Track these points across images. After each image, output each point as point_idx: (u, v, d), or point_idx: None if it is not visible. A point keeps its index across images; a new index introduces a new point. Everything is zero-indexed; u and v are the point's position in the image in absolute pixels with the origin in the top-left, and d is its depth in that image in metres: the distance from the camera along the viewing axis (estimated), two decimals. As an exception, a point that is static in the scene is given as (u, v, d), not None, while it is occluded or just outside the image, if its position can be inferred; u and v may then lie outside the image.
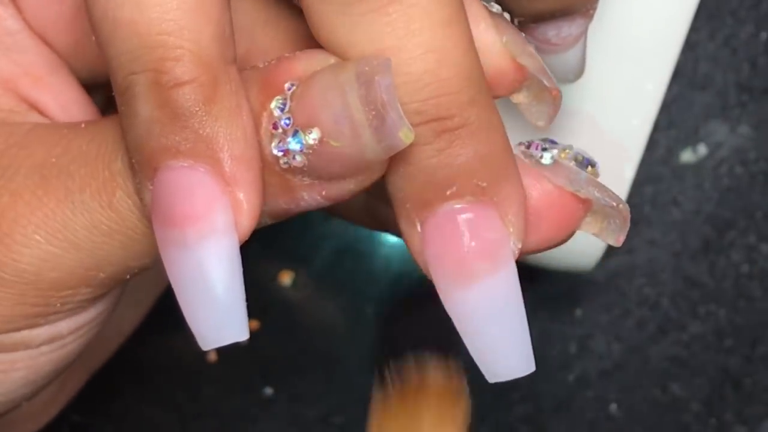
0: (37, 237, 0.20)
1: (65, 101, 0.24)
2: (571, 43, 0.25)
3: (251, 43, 0.23)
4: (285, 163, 0.18)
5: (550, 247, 0.21)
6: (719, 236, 0.44)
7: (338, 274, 0.45)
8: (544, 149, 0.20)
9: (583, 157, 0.21)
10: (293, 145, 0.18)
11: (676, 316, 0.44)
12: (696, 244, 0.44)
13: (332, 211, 0.24)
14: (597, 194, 0.20)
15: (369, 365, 0.45)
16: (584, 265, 0.36)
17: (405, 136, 0.18)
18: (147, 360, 0.44)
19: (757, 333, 0.44)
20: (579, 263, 0.36)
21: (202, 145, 0.18)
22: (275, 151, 0.18)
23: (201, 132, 0.18)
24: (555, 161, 0.20)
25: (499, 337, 0.19)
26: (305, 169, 0.18)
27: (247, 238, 0.19)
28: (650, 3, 0.33)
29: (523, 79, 0.20)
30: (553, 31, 0.25)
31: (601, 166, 0.21)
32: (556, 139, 0.21)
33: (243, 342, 0.19)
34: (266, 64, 0.19)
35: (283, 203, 0.19)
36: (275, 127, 0.18)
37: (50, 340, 0.22)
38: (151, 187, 0.19)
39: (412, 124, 0.18)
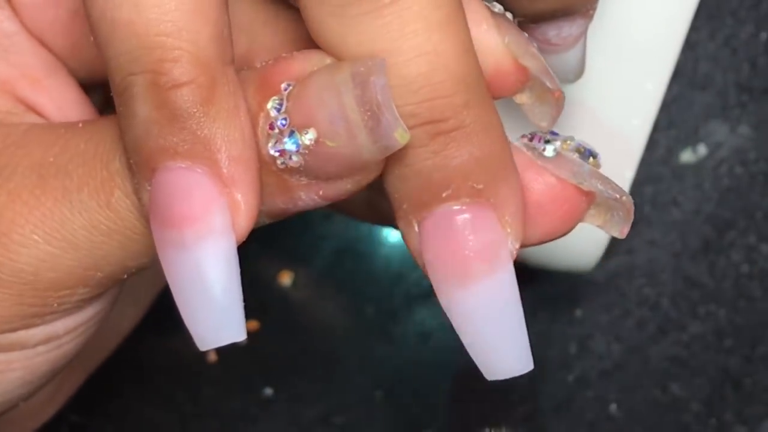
0: (35, 237, 0.20)
1: (63, 102, 0.24)
2: (572, 43, 0.25)
3: (251, 43, 0.23)
4: (282, 163, 0.19)
5: (552, 239, 0.21)
6: (719, 236, 0.44)
7: (338, 274, 0.45)
8: (547, 141, 0.20)
9: (585, 149, 0.21)
10: (289, 145, 0.18)
11: (676, 316, 0.44)
12: (696, 244, 0.44)
13: (334, 206, 0.24)
14: (600, 186, 0.20)
15: (369, 365, 0.45)
16: (584, 266, 0.36)
17: (400, 136, 0.18)
18: (147, 360, 0.44)
19: (757, 333, 0.44)
20: (579, 263, 0.36)
21: (199, 146, 0.18)
22: (272, 152, 0.18)
23: (199, 133, 0.18)
24: (558, 153, 0.20)
25: (496, 336, 0.19)
26: (302, 169, 0.18)
27: (244, 239, 0.19)
28: (650, 3, 0.33)
29: (525, 80, 0.20)
30: (553, 31, 0.25)
31: (601, 166, 0.21)
32: (558, 131, 0.21)
33: (243, 342, 0.19)
34: (263, 64, 0.19)
35: (281, 203, 0.19)
36: (272, 127, 0.18)
37: (46, 340, 0.22)
38: (149, 188, 0.19)
39: (407, 126, 0.18)
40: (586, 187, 0.20)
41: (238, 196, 0.19)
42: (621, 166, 0.34)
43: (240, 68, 0.20)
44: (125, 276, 0.22)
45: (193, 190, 0.18)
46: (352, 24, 0.18)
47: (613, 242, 0.36)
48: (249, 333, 0.19)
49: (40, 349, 0.22)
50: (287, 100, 0.18)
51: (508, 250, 0.19)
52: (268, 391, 0.45)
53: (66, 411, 0.39)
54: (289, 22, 0.22)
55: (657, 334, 0.44)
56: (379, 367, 0.45)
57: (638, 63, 0.33)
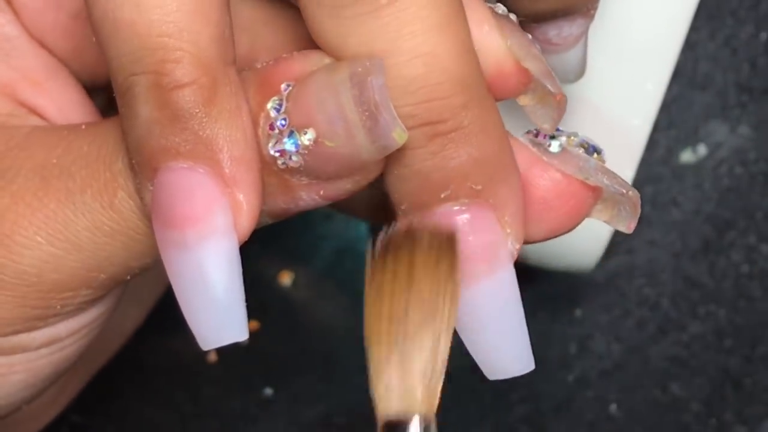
0: (39, 238, 0.20)
1: (64, 105, 0.24)
2: (572, 43, 0.25)
3: (252, 43, 0.23)
4: (282, 163, 0.19)
5: (558, 235, 0.21)
6: (719, 236, 0.44)
7: (338, 274, 0.45)
8: (552, 137, 0.20)
9: (589, 144, 0.21)
10: (289, 145, 0.18)
11: (676, 316, 0.44)
12: (696, 244, 0.44)
13: (337, 206, 0.24)
14: (606, 181, 0.20)
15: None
16: (584, 265, 0.36)
17: (398, 136, 0.18)
18: (147, 360, 0.44)
19: (757, 333, 0.44)
20: (579, 263, 0.36)
21: (201, 147, 0.18)
22: (272, 152, 0.19)
23: (201, 133, 0.18)
24: (563, 149, 0.20)
25: (497, 336, 0.19)
26: (302, 169, 0.18)
27: (246, 239, 0.19)
28: (650, 3, 0.33)
29: (527, 81, 0.20)
30: (554, 31, 0.25)
31: (606, 162, 0.21)
32: (560, 127, 0.21)
33: (243, 342, 0.19)
34: (263, 64, 0.19)
35: (282, 203, 0.19)
36: (272, 127, 0.18)
37: (48, 343, 0.22)
38: (151, 188, 0.19)
39: (405, 127, 0.18)
40: (592, 182, 0.20)
41: (240, 197, 0.19)
42: (621, 166, 0.34)
43: (242, 68, 0.20)
44: (128, 277, 0.22)
45: (195, 190, 0.18)
46: (350, 25, 0.18)
47: (613, 242, 0.36)
48: (249, 333, 0.19)
49: (43, 351, 0.22)
50: (287, 101, 0.18)
51: (508, 250, 0.19)
52: (268, 391, 0.45)
53: (67, 411, 0.39)
54: (290, 22, 0.22)
55: (657, 334, 0.44)
56: (379, 367, 0.44)
57: (638, 63, 0.33)
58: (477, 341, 0.20)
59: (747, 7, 0.44)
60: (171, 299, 0.19)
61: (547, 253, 0.36)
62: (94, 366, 0.39)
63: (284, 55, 0.19)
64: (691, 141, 0.44)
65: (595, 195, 0.21)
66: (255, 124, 0.19)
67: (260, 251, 0.45)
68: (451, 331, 0.19)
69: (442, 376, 0.19)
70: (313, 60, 0.19)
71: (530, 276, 0.42)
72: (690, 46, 0.43)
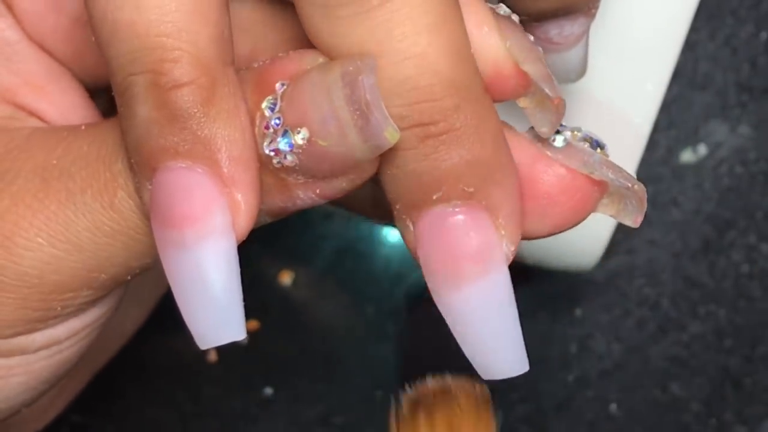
0: (39, 240, 0.20)
1: (66, 108, 0.24)
2: (573, 42, 0.25)
3: (254, 44, 0.23)
4: (278, 162, 0.19)
5: (563, 231, 0.21)
6: (719, 236, 0.44)
7: (338, 274, 0.45)
8: (557, 132, 0.20)
9: (593, 139, 0.21)
10: (283, 145, 0.18)
11: (676, 316, 0.44)
12: (696, 244, 0.44)
13: (340, 203, 0.24)
14: (611, 175, 0.20)
15: (369, 365, 0.45)
16: (584, 265, 0.36)
17: (390, 135, 0.18)
18: (147, 360, 0.44)
19: (757, 333, 0.44)
20: (579, 263, 0.36)
21: (200, 147, 0.18)
22: (267, 151, 0.19)
23: (199, 133, 0.18)
24: (567, 143, 0.20)
25: (491, 337, 0.19)
26: (298, 168, 0.18)
27: (244, 239, 0.19)
28: (650, 3, 0.33)
29: (526, 84, 0.20)
30: (555, 30, 0.25)
31: (609, 156, 0.21)
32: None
33: (243, 342, 0.19)
34: (260, 64, 0.19)
35: (280, 202, 0.19)
36: (267, 127, 0.18)
37: (48, 345, 0.22)
38: (150, 187, 0.19)
39: (397, 127, 0.18)
40: (597, 176, 0.20)
41: (239, 196, 0.19)
42: (621, 166, 0.34)
43: (241, 69, 0.20)
44: (129, 277, 0.22)
45: (194, 190, 0.18)
46: (342, 25, 0.18)
47: (613, 242, 0.36)
48: (249, 333, 0.19)
49: (42, 354, 0.22)
50: (281, 100, 0.18)
51: (502, 252, 0.19)
52: (268, 391, 0.45)
53: (67, 411, 0.39)
54: (291, 23, 0.22)
55: (657, 334, 0.45)
56: (379, 367, 0.45)
57: (638, 63, 0.33)
58: (471, 342, 0.19)
59: (747, 6, 0.44)
60: (171, 299, 0.19)
61: (546, 253, 0.36)
62: (93, 368, 0.39)
63: (280, 55, 0.19)
64: (691, 141, 0.44)
65: (601, 189, 0.21)
66: (252, 123, 0.19)
67: (260, 251, 0.45)
68: None
69: None
70: (308, 59, 0.19)
71: (530, 276, 0.42)
72: (690, 46, 0.43)
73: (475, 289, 0.19)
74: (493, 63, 0.19)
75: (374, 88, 0.18)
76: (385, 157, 0.19)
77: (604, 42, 0.33)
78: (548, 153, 0.20)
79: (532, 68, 0.20)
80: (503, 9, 0.21)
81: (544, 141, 0.20)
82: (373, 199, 0.24)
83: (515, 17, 0.21)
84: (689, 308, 0.44)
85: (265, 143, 0.19)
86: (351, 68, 0.18)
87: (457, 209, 0.19)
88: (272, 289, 0.45)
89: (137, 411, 0.45)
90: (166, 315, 0.40)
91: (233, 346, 0.19)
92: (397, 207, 0.19)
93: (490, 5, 0.20)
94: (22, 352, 0.22)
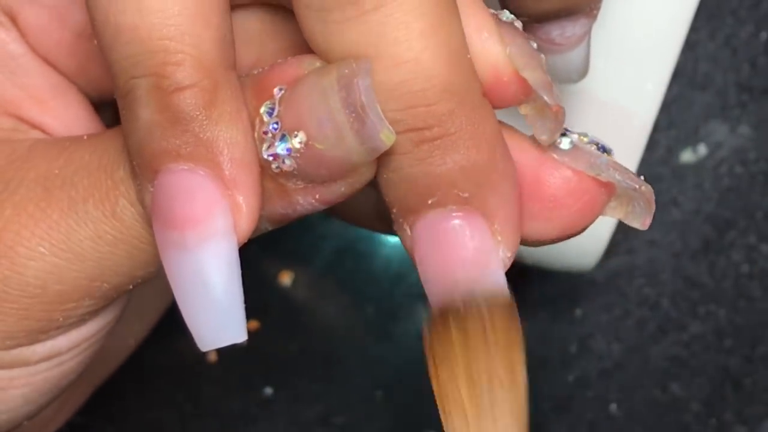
0: (42, 249, 0.20)
1: (70, 122, 0.24)
2: (575, 43, 0.25)
3: (260, 52, 0.23)
4: (276, 167, 0.19)
5: (571, 235, 0.21)
6: (719, 236, 0.44)
7: (338, 274, 0.45)
8: (563, 134, 0.20)
9: (599, 144, 0.21)
10: (281, 149, 0.18)
11: (676, 316, 0.45)
12: (696, 244, 0.44)
13: (336, 213, 0.24)
14: (618, 177, 0.20)
15: (369, 365, 0.45)
16: (584, 265, 0.36)
17: (386, 137, 0.18)
18: (148, 361, 0.44)
19: (757, 333, 0.44)
20: (579, 263, 0.37)
21: (202, 149, 0.18)
22: (266, 156, 0.19)
23: (201, 136, 0.18)
24: (574, 145, 0.20)
25: None
26: (296, 173, 0.19)
27: (245, 241, 0.19)
28: (650, 3, 0.33)
29: (527, 91, 0.20)
30: (556, 31, 0.25)
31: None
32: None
33: (243, 342, 0.19)
34: (260, 69, 0.19)
35: (280, 208, 0.19)
36: (265, 131, 0.19)
37: (49, 357, 0.22)
38: (151, 189, 0.19)
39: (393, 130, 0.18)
40: (604, 178, 0.20)
41: (240, 199, 0.19)
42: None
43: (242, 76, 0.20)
44: (131, 286, 0.22)
45: (196, 192, 0.18)
46: (337, 30, 0.18)
47: (613, 242, 0.36)
48: (249, 333, 0.19)
49: (43, 365, 0.22)
50: (279, 105, 0.18)
51: (498, 258, 0.19)
52: (268, 391, 0.45)
53: (67, 411, 0.39)
54: (296, 32, 0.22)
55: (657, 334, 0.45)
56: (379, 367, 0.45)
57: (639, 63, 0.33)
58: None
59: (747, 6, 0.44)
60: (171, 300, 0.19)
61: (546, 253, 0.36)
62: (94, 382, 0.39)
63: (279, 60, 0.19)
64: (691, 141, 0.44)
65: (608, 191, 0.20)
66: (252, 128, 0.19)
67: (260, 251, 0.45)
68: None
69: None
70: (305, 64, 0.19)
71: (530, 276, 0.42)
72: (690, 46, 0.43)
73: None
74: (493, 68, 0.19)
75: (369, 90, 0.18)
76: (382, 161, 0.19)
77: (604, 42, 0.33)
78: (554, 155, 0.20)
79: (531, 75, 0.20)
80: (506, 15, 0.20)
81: (550, 143, 0.20)
82: (377, 212, 0.24)
83: (518, 23, 0.20)
84: (689, 308, 0.44)
85: (264, 148, 0.19)
86: (346, 71, 0.18)
87: (452, 214, 0.19)
88: (272, 290, 0.45)
89: (137, 411, 0.45)
90: (166, 316, 0.40)
91: (233, 346, 0.19)
92: (394, 211, 0.19)
93: (492, 11, 0.20)
94: (24, 363, 0.22)
